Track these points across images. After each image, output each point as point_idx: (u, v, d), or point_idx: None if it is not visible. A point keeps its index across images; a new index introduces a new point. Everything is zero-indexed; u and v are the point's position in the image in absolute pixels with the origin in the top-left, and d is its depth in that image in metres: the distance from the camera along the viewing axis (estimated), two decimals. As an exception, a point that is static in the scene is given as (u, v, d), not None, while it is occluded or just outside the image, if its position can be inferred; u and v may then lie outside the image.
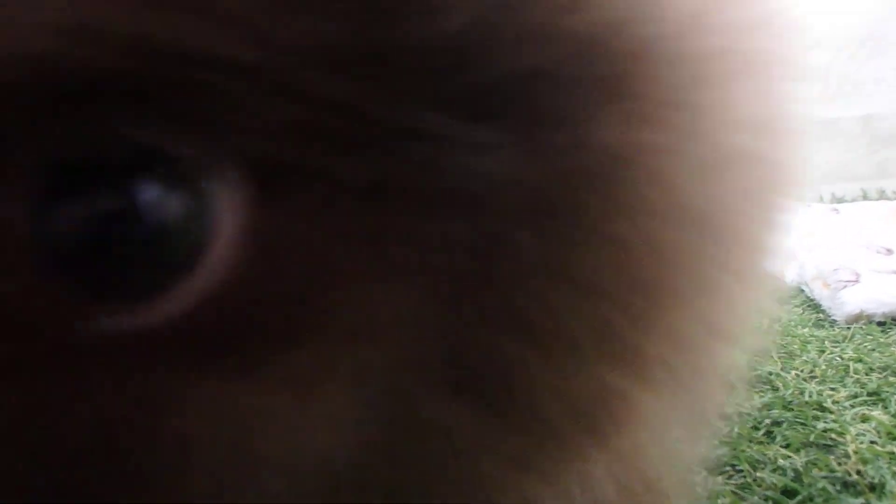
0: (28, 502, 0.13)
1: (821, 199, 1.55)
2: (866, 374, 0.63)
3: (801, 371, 0.64)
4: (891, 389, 0.59)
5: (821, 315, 0.83)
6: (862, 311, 0.78)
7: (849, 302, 0.80)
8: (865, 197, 1.51)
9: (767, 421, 0.55)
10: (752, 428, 0.54)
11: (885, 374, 0.63)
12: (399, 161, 0.13)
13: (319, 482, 0.14)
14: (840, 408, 0.56)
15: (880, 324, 0.77)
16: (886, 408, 0.56)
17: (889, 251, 0.94)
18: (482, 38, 0.13)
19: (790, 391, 0.60)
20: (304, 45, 0.12)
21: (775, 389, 0.60)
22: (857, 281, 0.84)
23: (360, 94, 0.13)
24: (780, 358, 0.67)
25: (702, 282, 0.17)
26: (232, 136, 0.13)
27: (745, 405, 0.53)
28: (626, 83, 0.14)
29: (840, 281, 0.84)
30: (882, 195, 1.51)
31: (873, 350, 0.69)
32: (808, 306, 0.87)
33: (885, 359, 0.65)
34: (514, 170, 0.14)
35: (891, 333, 0.74)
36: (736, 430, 0.51)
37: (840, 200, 1.53)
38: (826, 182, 1.56)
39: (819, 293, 0.87)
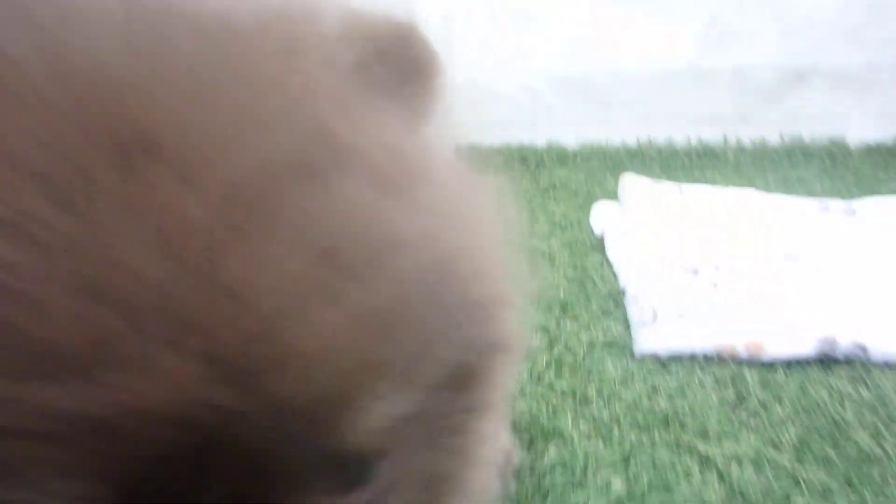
0: None
1: (688, 141, 1.71)
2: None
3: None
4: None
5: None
6: (654, 353, 0.80)
7: (643, 341, 0.81)
8: (726, 142, 1.68)
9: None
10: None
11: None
12: None
13: None
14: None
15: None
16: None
17: (696, 272, 0.94)
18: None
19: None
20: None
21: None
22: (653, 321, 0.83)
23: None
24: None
25: None
26: None
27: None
28: None
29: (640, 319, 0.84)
30: (739, 142, 1.68)
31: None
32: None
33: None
34: None
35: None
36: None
37: (705, 144, 1.68)
38: (693, 125, 1.70)
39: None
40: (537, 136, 1.76)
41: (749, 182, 1.38)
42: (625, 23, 1.65)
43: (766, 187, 1.31)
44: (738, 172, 1.50)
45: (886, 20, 1.56)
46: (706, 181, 1.35)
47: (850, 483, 0.60)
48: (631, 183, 1.25)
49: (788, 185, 1.38)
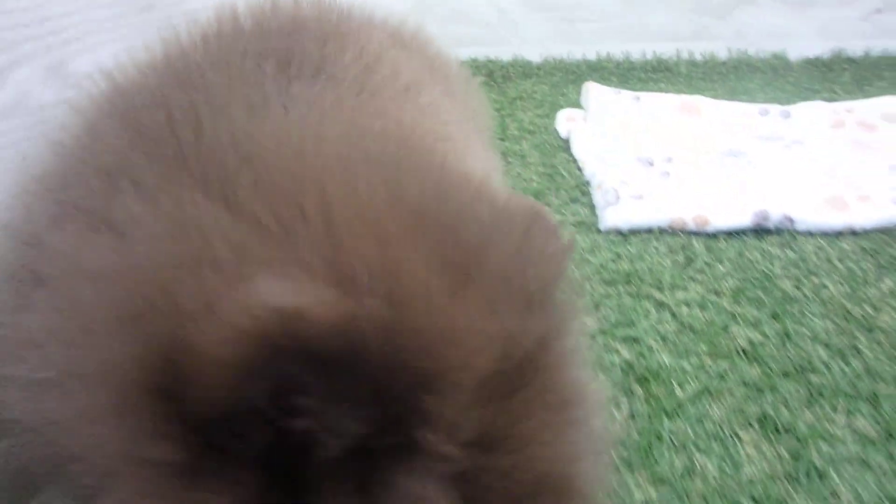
0: None
1: (644, 55, 1.81)
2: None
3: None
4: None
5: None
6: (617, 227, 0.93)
7: (608, 218, 0.94)
8: (679, 57, 1.79)
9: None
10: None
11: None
12: None
13: None
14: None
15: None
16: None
17: (651, 163, 1.08)
18: None
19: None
20: None
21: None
22: (616, 201, 0.95)
23: None
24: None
25: None
26: None
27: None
28: None
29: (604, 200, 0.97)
30: (691, 56, 1.79)
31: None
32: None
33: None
34: None
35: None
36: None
37: (660, 58, 1.79)
38: (650, 41, 1.80)
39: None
40: (503, 52, 1.84)
41: (699, 93, 1.50)
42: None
43: (715, 97, 1.44)
44: (690, 85, 1.61)
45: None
46: (661, 92, 1.46)
47: (775, 317, 0.74)
48: (593, 90, 1.35)
49: (734, 95, 1.50)
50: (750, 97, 1.46)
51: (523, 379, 0.28)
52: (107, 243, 0.28)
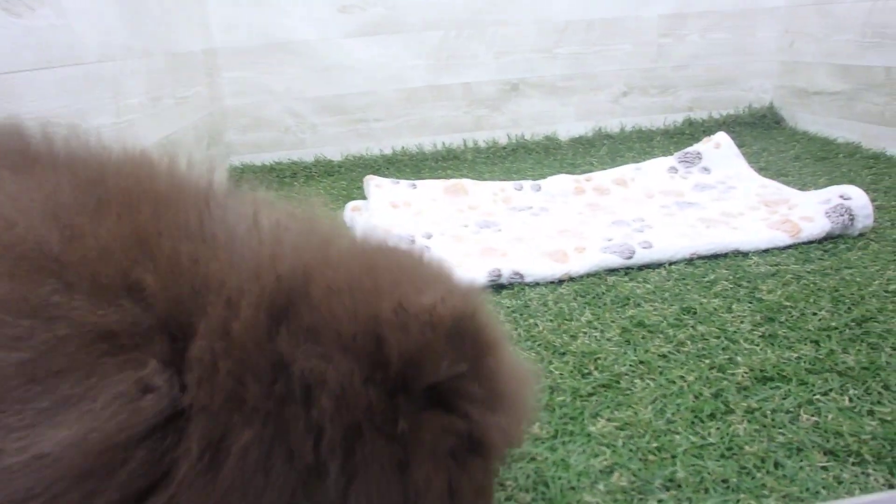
0: None
1: (434, 147, 2.01)
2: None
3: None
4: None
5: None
6: None
7: None
8: (465, 145, 2.00)
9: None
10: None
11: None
12: None
13: None
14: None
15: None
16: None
17: (412, 240, 1.19)
18: None
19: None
20: None
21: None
22: None
23: None
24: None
25: None
26: None
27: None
28: None
29: None
30: (476, 144, 2.01)
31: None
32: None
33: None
34: None
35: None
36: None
37: (449, 148, 1.99)
38: (439, 134, 2.01)
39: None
40: (305, 154, 1.98)
41: (481, 175, 1.69)
42: (370, 53, 1.91)
43: (492, 177, 1.63)
44: (473, 169, 1.81)
45: (571, 42, 1.97)
46: (449, 177, 1.63)
47: (493, 356, 0.86)
48: (372, 182, 1.49)
49: (511, 174, 1.71)
50: (522, 175, 1.67)
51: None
52: None
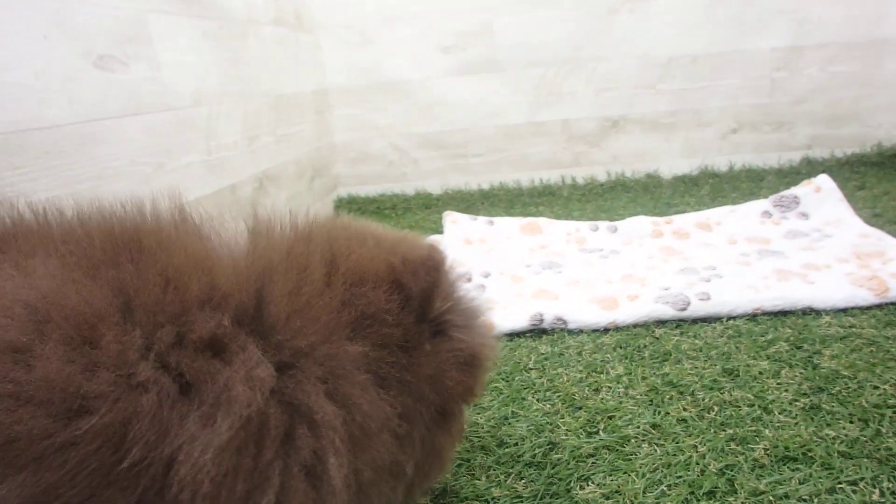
0: None
1: (532, 182, 2.00)
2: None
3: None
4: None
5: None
6: None
7: None
8: (563, 182, 1.98)
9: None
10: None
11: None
12: None
13: None
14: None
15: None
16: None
17: (469, 278, 1.21)
18: None
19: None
20: None
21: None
22: None
23: None
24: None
25: None
26: None
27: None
28: None
29: None
30: (573, 180, 1.98)
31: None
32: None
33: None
34: None
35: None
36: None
37: (546, 184, 1.98)
38: (537, 170, 2.01)
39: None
40: (406, 187, 2.05)
41: (573, 213, 1.67)
42: (471, 91, 1.96)
43: (582, 215, 1.61)
44: (567, 206, 1.79)
45: (675, 77, 1.90)
46: (540, 213, 1.63)
47: (507, 403, 0.85)
48: (449, 217, 1.52)
49: (601, 212, 1.67)
50: (612, 213, 1.63)
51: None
52: None
